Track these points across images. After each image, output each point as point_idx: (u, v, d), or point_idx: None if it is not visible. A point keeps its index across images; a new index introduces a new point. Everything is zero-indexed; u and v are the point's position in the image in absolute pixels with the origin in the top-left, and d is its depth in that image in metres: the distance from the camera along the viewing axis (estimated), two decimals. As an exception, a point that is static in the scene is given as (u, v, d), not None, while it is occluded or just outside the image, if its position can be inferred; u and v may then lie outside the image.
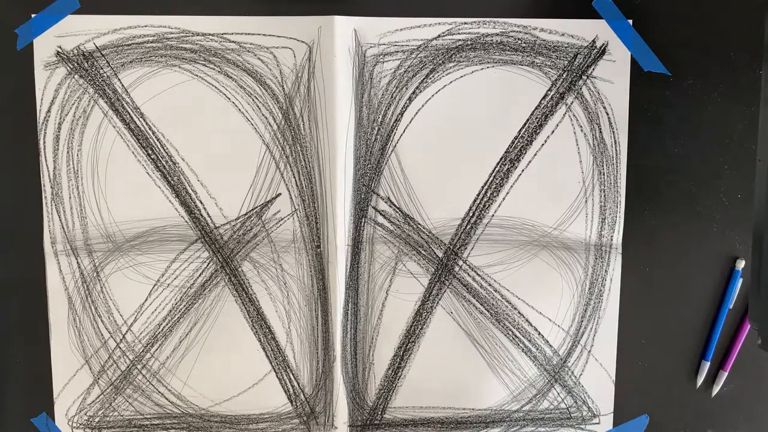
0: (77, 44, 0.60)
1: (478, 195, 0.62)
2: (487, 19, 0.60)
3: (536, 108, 0.61)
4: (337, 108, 0.60)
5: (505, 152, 0.61)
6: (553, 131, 0.61)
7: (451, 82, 0.61)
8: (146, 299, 0.62)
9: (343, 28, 0.59)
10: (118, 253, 0.61)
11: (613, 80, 0.61)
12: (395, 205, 0.62)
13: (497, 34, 0.61)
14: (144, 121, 0.61)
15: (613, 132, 0.61)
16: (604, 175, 0.62)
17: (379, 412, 0.63)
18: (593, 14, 0.61)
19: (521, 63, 0.61)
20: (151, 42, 0.60)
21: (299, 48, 0.60)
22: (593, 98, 0.61)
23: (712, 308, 0.63)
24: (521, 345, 0.63)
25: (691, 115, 0.62)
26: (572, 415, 0.64)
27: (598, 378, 0.63)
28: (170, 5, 0.60)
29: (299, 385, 0.63)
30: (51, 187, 0.61)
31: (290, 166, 0.61)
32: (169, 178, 0.61)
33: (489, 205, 0.62)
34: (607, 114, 0.61)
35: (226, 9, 0.60)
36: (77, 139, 0.61)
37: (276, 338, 0.62)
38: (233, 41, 0.60)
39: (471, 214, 0.62)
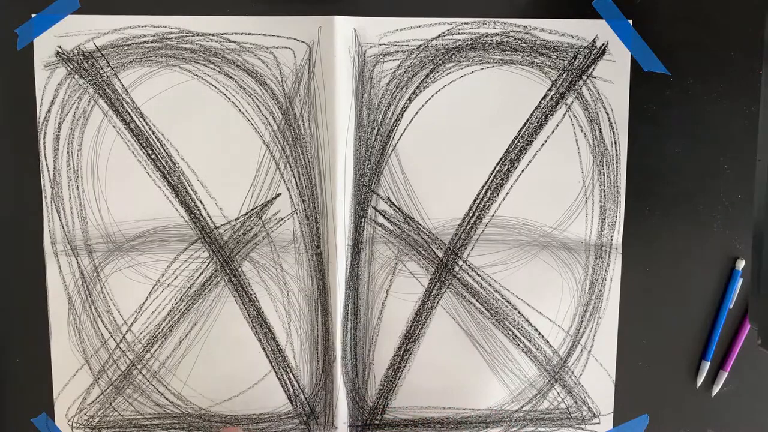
0: (77, 44, 0.60)
1: (478, 195, 0.62)
2: (487, 19, 0.60)
3: (536, 108, 0.61)
4: (337, 108, 0.60)
5: (505, 152, 0.62)
6: (553, 131, 0.61)
7: (451, 82, 0.61)
8: (146, 299, 0.62)
9: (343, 28, 0.59)
10: (118, 253, 0.61)
11: (613, 80, 0.61)
12: (395, 205, 0.62)
13: (497, 34, 0.61)
14: (144, 121, 0.61)
15: (613, 132, 0.61)
16: (604, 175, 0.62)
17: (379, 412, 0.63)
18: (593, 14, 0.61)
19: (521, 63, 0.61)
20: (151, 42, 0.60)
21: (299, 48, 0.60)
22: (593, 98, 0.61)
23: (712, 308, 0.63)
24: (521, 345, 0.63)
25: (691, 115, 0.62)
26: (572, 415, 0.64)
27: (598, 378, 0.63)
28: (170, 5, 0.60)
29: (299, 385, 0.63)
30: (51, 187, 0.61)
31: (290, 166, 0.61)
32: (169, 178, 0.61)
33: (489, 205, 0.62)
34: (607, 114, 0.61)
35: (226, 9, 0.60)
36: (77, 139, 0.61)
37: (276, 338, 0.62)
38: (233, 41, 0.60)
39: (471, 214, 0.62)
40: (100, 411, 0.63)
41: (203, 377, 0.63)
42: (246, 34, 0.60)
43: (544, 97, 0.61)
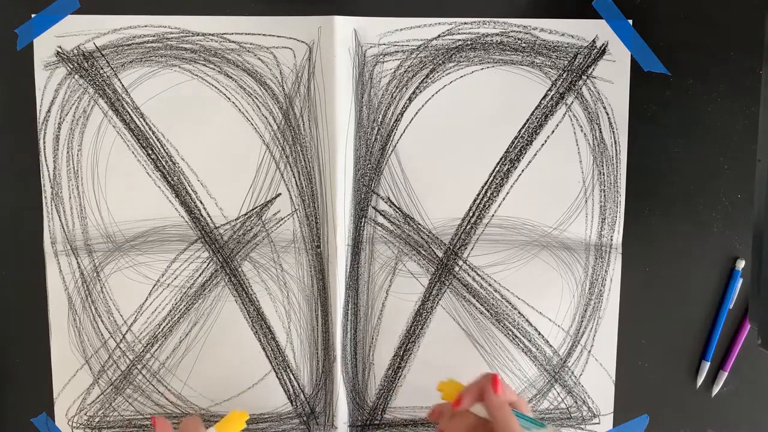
0: (77, 44, 0.60)
1: (478, 195, 0.62)
2: (487, 19, 0.60)
3: (536, 108, 0.61)
4: (337, 108, 0.60)
5: (505, 152, 0.62)
6: (553, 131, 0.61)
7: (451, 82, 0.61)
8: (146, 299, 0.62)
9: (343, 28, 0.59)
10: (118, 253, 0.61)
11: (613, 80, 0.61)
12: (395, 205, 0.62)
13: (497, 34, 0.61)
14: (144, 121, 0.61)
15: (613, 132, 0.61)
16: (604, 175, 0.62)
17: (379, 412, 0.63)
18: (593, 14, 0.61)
19: (521, 63, 0.61)
20: (151, 42, 0.60)
21: (299, 48, 0.60)
22: (593, 98, 0.61)
23: (712, 308, 0.63)
24: (521, 345, 0.63)
25: (691, 115, 0.62)
26: (572, 415, 0.64)
27: (598, 378, 0.63)
28: (170, 5, 0.60)
29: (299, 385, 0.63)
30: (51, 187, 0.61)
31: (290, 166, 0.61)
32: (169, 178, 0.61)
33: (489, 205, 0.62)
34: (607, 114, 0.61)
35: (226, 9, 0.60)
36: (77, 139, 0.61)
37: (276, 338, 0.62)
38: (233, 41, 0.60)
39: (471, 214, 0.62)
40: (100, 411, 0.63)
41: (203, 377, 0.63)
42: (246, 34, 0.60)
43: (544, 97, 0.61)
